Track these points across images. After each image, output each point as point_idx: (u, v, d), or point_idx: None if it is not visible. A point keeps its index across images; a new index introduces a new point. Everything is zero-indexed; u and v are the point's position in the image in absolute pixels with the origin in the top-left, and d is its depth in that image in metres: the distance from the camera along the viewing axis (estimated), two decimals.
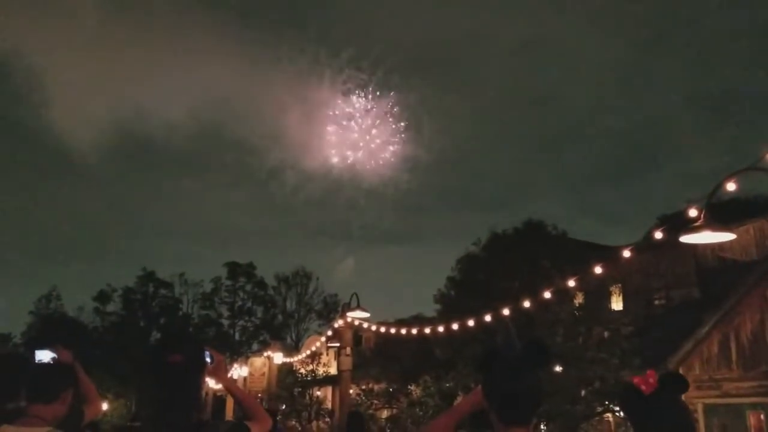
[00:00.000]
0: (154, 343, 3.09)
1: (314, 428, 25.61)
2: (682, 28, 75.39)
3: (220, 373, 2.65)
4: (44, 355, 3.63)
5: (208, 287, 52.12)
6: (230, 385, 2.79)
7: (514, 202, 74.22)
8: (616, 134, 78.08)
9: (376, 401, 21.39)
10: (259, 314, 52.06)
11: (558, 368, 13.75)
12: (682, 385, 2.24)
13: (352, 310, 12.50)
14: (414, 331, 13.04)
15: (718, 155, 71.57)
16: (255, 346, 46.71)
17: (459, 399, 16.78)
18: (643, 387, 2.21)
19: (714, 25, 72.96)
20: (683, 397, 2.29)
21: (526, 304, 9.88)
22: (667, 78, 79.17)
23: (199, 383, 2.40)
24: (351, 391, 14.96)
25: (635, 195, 79.30)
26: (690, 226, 6.11)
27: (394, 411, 20.81)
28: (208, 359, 2.50)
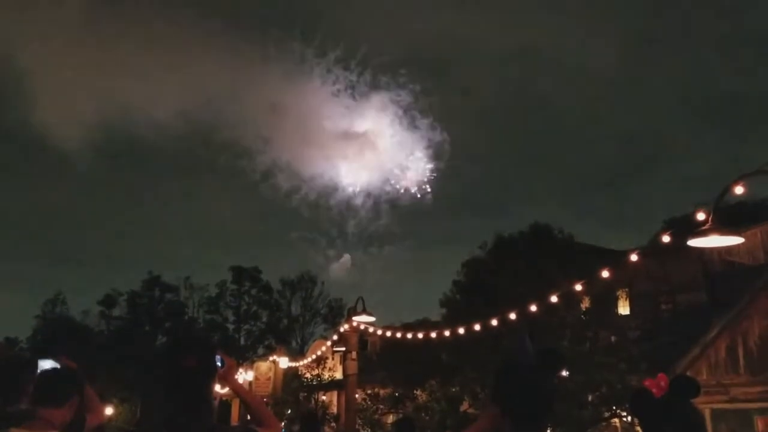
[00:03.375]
0: (167, 346, 3.02)
1: None
2: (677, 33, 75.31)
3: (230, 378, 2.63)
4: (47, 365, 3.61)
5: (213, 291, 52.19)
6: (240, 389, 2.75)
7: (513, 206, 74.00)
8: (612, 139, 78.05)
9: (381, 406, 21.32)
10: (265, 318, 52.03)
11: (565, 373, 13.69)
12: (693, 388, 2.23)
13: (358, 314, 12.46)
14: (420, 335, 13.01)
15: (715, 159, 71.56)
16: (260, 351, 46.69)
17: (465, 404, 16.73)
18: (655, 390, 2.20)
19: (709, 30, 72.87)
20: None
21: (533, 308, 9.84)
22: (662, 83, 79.18)
23: (211, 387, 2.39)
24: (356, 396, 14.92)
25: (632, 199, 79.18)
26: (697, 230, 6.08)
27: (400, 416, 20.73)
28: (219, 363, 2.49)
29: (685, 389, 2.21)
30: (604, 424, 14.64)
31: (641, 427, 2.30)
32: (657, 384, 2.21)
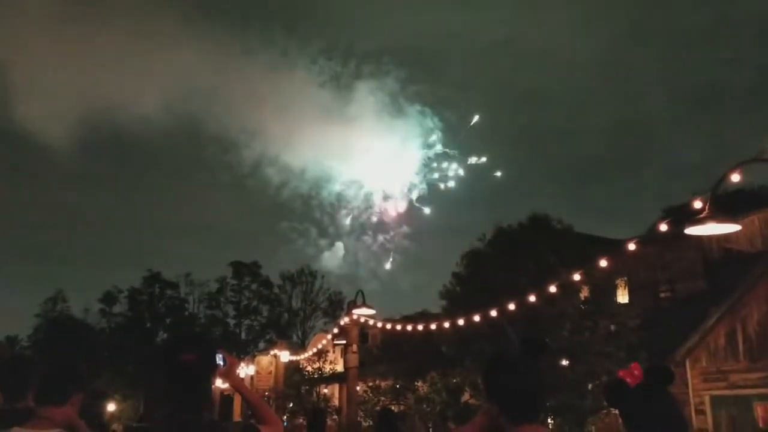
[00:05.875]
0: (168, 342, 3.03)
1: None
2: (665, 23, 74.98)
3: (232, 375, 2.64)
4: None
5: (213, 287, 52.28)
6: (241, 387, 2.77)
7: (509, 198, 73.73)
8: (601, 130, 77.93)
9: (383, 398, 21.40)
10: (265, 313, 52.15)
11: (565, 362, 13.73)
12: (667, 376, 2.25)
13: (358, 307, 12.48)
14: (420, 327, 13.03)
15: (704, 149, 71.61)
16: (261, 345, 46.82)
17: (465, 395, 16.80)
18: (629, 380, 2.22)
19: (695, 19, 72.67)
20: (690, 388, 2.30)
21: (532, 298, 9.87)
22: (651, 73, 78.97)
23: (211, 383, 2.40)
24: (358, 388, 14.98)
25: (625, 190, 79.27)
26: (695, 218, 6.09)
27: (402, 407, 20.84)
28: (220, 362, 2.50)
29: (660, 377, 2.23)
30: (604, 412, 14.69)
31: (620, 418, 2.32)
32: (631, 374, 2.23)
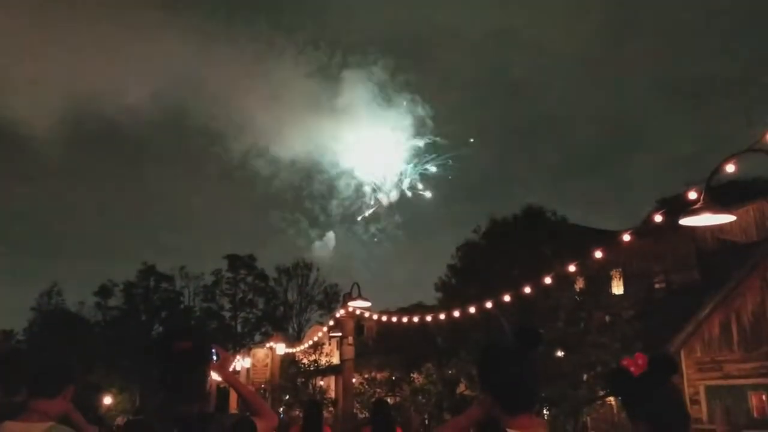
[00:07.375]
0: (162, 332, 3.06)
1: None
2: (654, 14, 74.87)
3: (224, 370, 2.64)
4: None
5: (209, 280, 52.25)
6: (235, 381, 2.77)
7: (502, 190, 73.75)
8: (594, 121, 77.97)
9: (378, 390, 21.46)
10: (261, 306, 52.20)
11: (560, 353, 13.77)
12: (671, 367, 2.25)
13: (354, 299, 12.47)
14: (415, 319, 13.05)
15: (698, 140, 71.75)
16: (257, 338, 46.86)
17: (461, 386, 16.86)
18: (633, 369, 2.22)
19: (685, 10, 72.54)
20: (684, 378, 2.31)
21: (527, 290, 9.88)
22: (642, 64, 78.96)
23: (205, 373, 2.40)
24: (354, 380, 15.00)
25: (617, 182, 79.43)
26: (689, 209, 6.09)
27: (397, 399, 20.90)
28: (213, 356, 2.49)
29: (664, 367, 2.23)
30: (599, 402, 14.77)
31: (622, 405, 2.33)
32: (635, 363, 2.22)
